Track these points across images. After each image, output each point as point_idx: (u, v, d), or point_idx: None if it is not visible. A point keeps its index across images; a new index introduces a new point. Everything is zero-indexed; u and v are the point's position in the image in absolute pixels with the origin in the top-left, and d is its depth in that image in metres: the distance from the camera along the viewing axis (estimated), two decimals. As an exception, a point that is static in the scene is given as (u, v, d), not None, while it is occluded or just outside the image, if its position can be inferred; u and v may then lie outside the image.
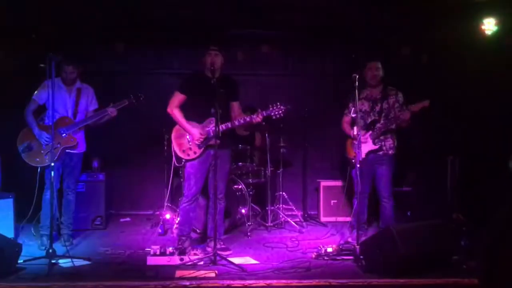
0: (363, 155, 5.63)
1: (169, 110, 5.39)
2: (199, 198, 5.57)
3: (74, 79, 5.78)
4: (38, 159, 5.56)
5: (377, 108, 5.71)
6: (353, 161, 5.70)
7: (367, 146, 5.66)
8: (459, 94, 7.12)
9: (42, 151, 5.56)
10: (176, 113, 5.37)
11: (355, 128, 5.42)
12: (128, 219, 7.23)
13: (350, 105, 5.74)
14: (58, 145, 5.53)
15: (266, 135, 6.77)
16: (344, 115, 5.97)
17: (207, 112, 5.14)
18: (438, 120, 7.19)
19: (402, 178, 7.19)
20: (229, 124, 5.22)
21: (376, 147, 5.66)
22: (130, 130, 7.18)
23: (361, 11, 6.77)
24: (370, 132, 5.66)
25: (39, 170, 5.49)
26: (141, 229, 6.62)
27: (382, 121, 5.63)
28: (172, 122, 5.48)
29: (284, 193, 7.07)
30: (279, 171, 6.96)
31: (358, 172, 5.25)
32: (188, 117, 5.38)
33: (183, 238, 5.46)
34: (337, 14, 6.80)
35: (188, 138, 5.36)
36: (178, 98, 5.39)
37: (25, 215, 5.60)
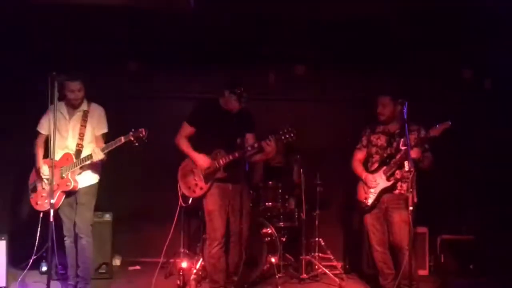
0: (376, 195, 5.35)
1: (176, 140, 5.41)
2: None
3: (82, 99, 5.20)
4: (39, 202, 5.16)
5: (395, 144, 5.37)
6: (363, 203, 5.44)
7: (380, 184, 5.36)
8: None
9: (43, 194, 5.12)
10: (182, 144, 5.36)
11: (405, 163, 4.98)
12: (137, 267, 6.85)
13: (364, 138, 5.58)
14: (57, 188, 5.02)
15: (301, 170, 6.31)
16: (356, 150, 5.64)
17: (216, 144, 5.23)
18: (502, 158, 6.72)
19: (462, 224, 6.78)
20: (236, 154, 5.08)
21: (389, 183, 5.27)
22: (140, 162, 6.71)
23: (412, 27, 6.26)
24: (385, 167, 5.31)
25: (41, 214, 5.08)
26: (153, 280, 5.93)
27: (398, 156, 5.23)
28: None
29: (321, 239, 6.51)
30: (315, 213, 6.45)
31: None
32: (196, 149, 5.37)
33: None
34: (383, 31, 6.31)
35: (194, 173, 5.30)
36: (186, 129, 5.41)
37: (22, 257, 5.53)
